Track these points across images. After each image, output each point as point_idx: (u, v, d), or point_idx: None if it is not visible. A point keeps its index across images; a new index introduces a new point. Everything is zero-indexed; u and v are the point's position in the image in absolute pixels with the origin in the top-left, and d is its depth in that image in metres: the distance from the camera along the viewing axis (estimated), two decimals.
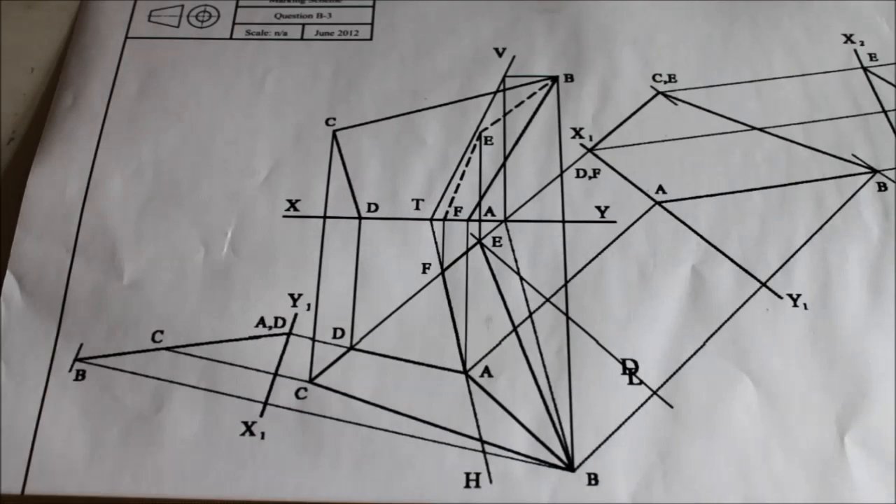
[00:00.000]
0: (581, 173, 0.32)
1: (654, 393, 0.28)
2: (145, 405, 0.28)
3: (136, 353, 0.28)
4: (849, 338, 0.28)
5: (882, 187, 0.31)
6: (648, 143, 0.32)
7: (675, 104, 0.33)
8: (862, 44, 0.35)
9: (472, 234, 0.31)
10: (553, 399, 0.28)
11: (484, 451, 0.27)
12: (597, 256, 0.30)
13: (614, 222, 0.31)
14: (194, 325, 0.29)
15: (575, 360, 0.28)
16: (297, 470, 0.27)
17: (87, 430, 0.27)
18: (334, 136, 0.33)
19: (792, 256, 0.30)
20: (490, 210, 0.31)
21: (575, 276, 0.30)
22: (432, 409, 0.28)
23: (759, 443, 0.27)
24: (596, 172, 0.32)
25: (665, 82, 0.34)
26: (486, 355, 0.28)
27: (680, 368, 0.28)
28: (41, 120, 0.34)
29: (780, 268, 0.30)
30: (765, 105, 0.33)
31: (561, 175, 0.32)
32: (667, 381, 0.28)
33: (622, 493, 0.26)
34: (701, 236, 0.30)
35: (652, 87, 0.34)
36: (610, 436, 0.27)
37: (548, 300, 0.29)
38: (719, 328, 0.29)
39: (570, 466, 0.27)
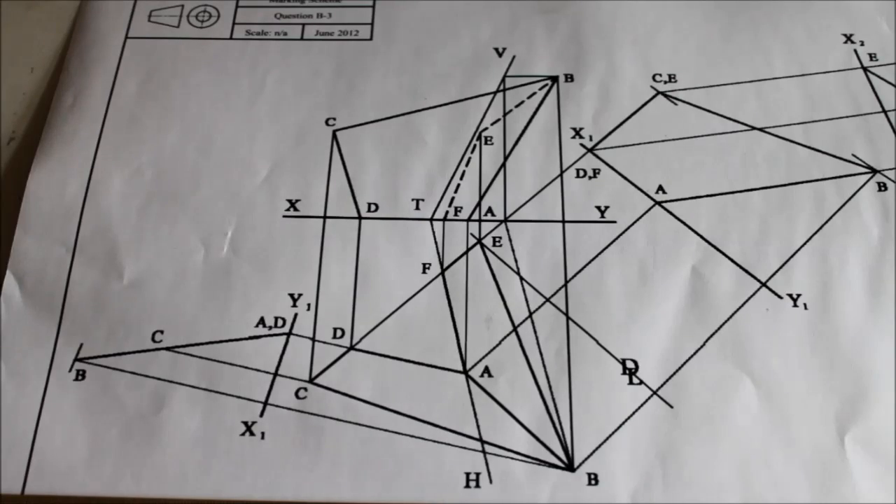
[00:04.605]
0: (581, 173, 0.32)
1: (654, 393, 0.28)
2: (145, 405, 0.28)
3: (136, 353, 0.28)
4: (849, 338, 0.28)
5: (882, 187, 0.31)
6: (648, 143, 0.32)
7: (675, 104, 0.33)
8: (862, 44, 0.35)
9: (472, 234, 0.31)
10: (553, 399, 0.28)
11: (484, 451, 0.27)
12: (597, 256, 0.30)
13: (614, 222, 0.31)
14: (194, 325, 0.29)
15: (575, 360, 0.28)
16: (297, 470, 0.27)
17: (87, 430, 0.27)
18: (334, 136, 0.33)
19: (792, 256, 0.30)
20: (490, 210, 0.31)
21: (575, 276, 0.30)
22: (432, 409, 0.28)
23: (759, 443, 0.27)
24: (596, 172, 0.32)
25: (665, 82, 0.34)
26: (486, 355, 0.28)
27: (680, 368, 0.28)
28: (41, 120, 0.34)
29: (780, 268, 0.30)
30: (765, 105, 0.33)
31: (561, 175, 0.32)
32: (667, 381, 0.28)
33: (622, 493, 0.26)
34: (701, 236, 0.30)
35: (652, 87, 0.34)
36: (610, 436, 0.27)
37: (548, 300, 0.29)
38: (719, 328, 0.29)
39: (570, 466, 0.27)
